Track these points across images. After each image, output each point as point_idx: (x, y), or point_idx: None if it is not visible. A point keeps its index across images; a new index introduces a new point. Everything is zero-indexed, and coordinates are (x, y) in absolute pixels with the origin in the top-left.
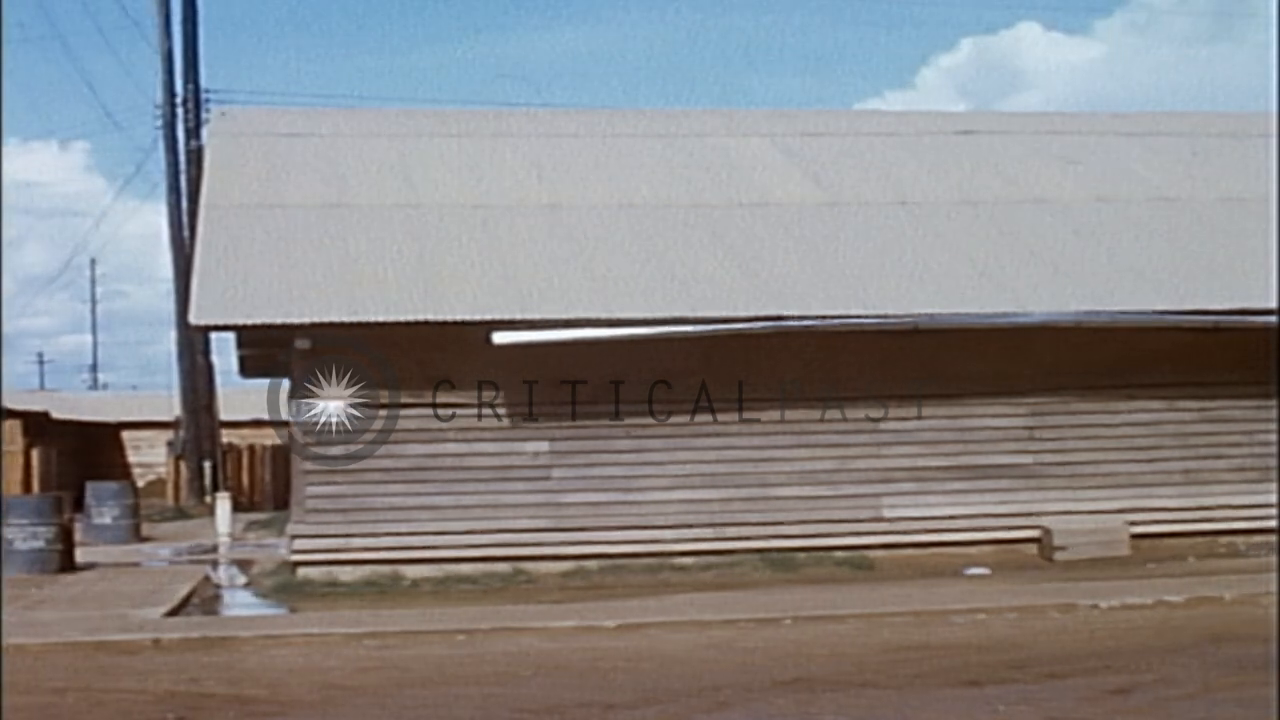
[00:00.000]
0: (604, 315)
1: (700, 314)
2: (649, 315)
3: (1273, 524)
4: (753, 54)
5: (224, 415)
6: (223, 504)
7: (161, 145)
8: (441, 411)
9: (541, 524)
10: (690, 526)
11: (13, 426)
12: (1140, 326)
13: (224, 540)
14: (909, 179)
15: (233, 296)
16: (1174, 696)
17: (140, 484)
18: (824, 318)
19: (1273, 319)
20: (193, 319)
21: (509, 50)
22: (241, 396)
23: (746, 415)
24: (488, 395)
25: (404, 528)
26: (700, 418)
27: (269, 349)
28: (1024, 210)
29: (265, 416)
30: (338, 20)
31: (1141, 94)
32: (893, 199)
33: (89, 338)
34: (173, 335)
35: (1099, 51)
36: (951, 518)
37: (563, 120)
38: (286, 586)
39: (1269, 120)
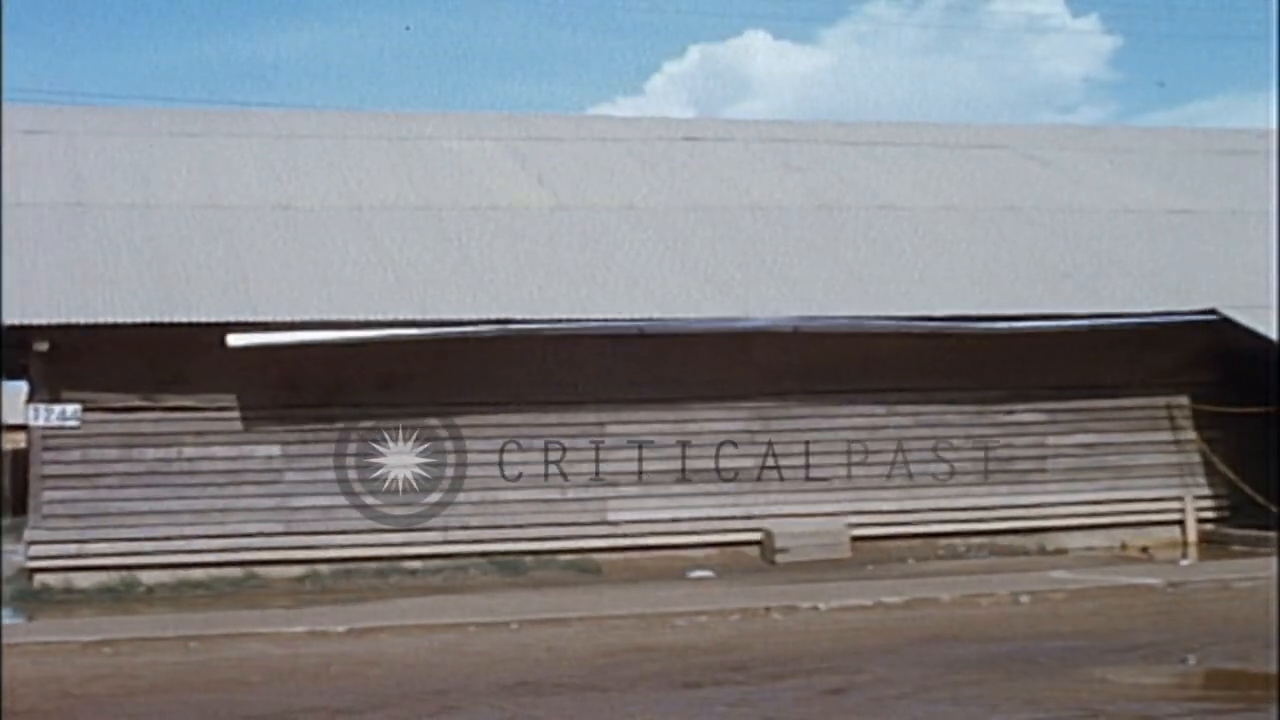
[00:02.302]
0: (335, 318)
1: (429, 316)
2: (379, 318)
3: (989, 526)
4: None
5: None
6: None
7: None
8: (176, 415)
9: (274, 528)
10: (419, 530)
11: None
12: (860, 332)
13: None
14: (636, 184)
15: None
16: (889, 696)
17: None
18: (550, 322)
19: (995, 325)
20: None
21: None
22: None
23: (473, 418)
24: (223, 398)
25: (140, 533)
26: (427, 420)
27: (10, 351)
28: (747, 216)
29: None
30: (77, 16)
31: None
32: (619, 204)
33: None
34: None
35: (825, 61)
36: (675, 521)
37: (297, 121)
38: (23, 594)
39: (992, 133)
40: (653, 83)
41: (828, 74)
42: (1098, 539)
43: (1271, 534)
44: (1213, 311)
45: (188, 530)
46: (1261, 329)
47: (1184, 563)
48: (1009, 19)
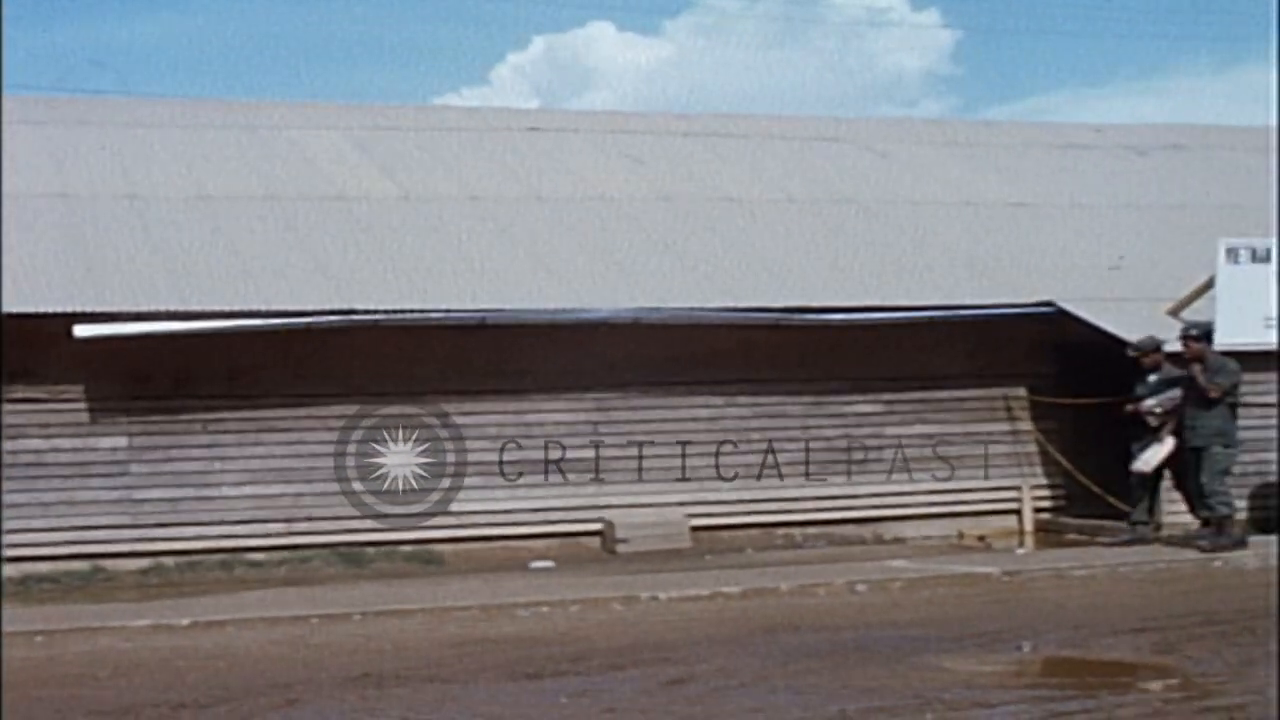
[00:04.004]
0: (181, 308)
1: (275, 307)
2: (225, 308)
3: (827, 516)
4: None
5: None
6: None
7: None
8: (21, 407)
9: (119, 521)
10: (263, 522)
11: None
12: (700, 323)
13: None
14: (479, 175)
15: None
16: (729, 686)
17: None
18: (395, 312)
19: (833, 316)
20: None
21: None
22: None
23: (319, 410)
24: (70, 390)
25: None
26: (274, 412)
27: None
28: (589, 207)
29: None
30: None
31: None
32: (463, 194)
33: None
34: None
35: (669, 52)
36: (517, 512)
37: (144, 109)
38: None
39: (831, 125)
40: (498, 73)
41: (671, 65)
42: (935, 528)
43: (1106, 523)
44: (1050, 304)
45: (33, 523)
46: (1097, 321)
47: (1020, 552)
48: (850, 12)
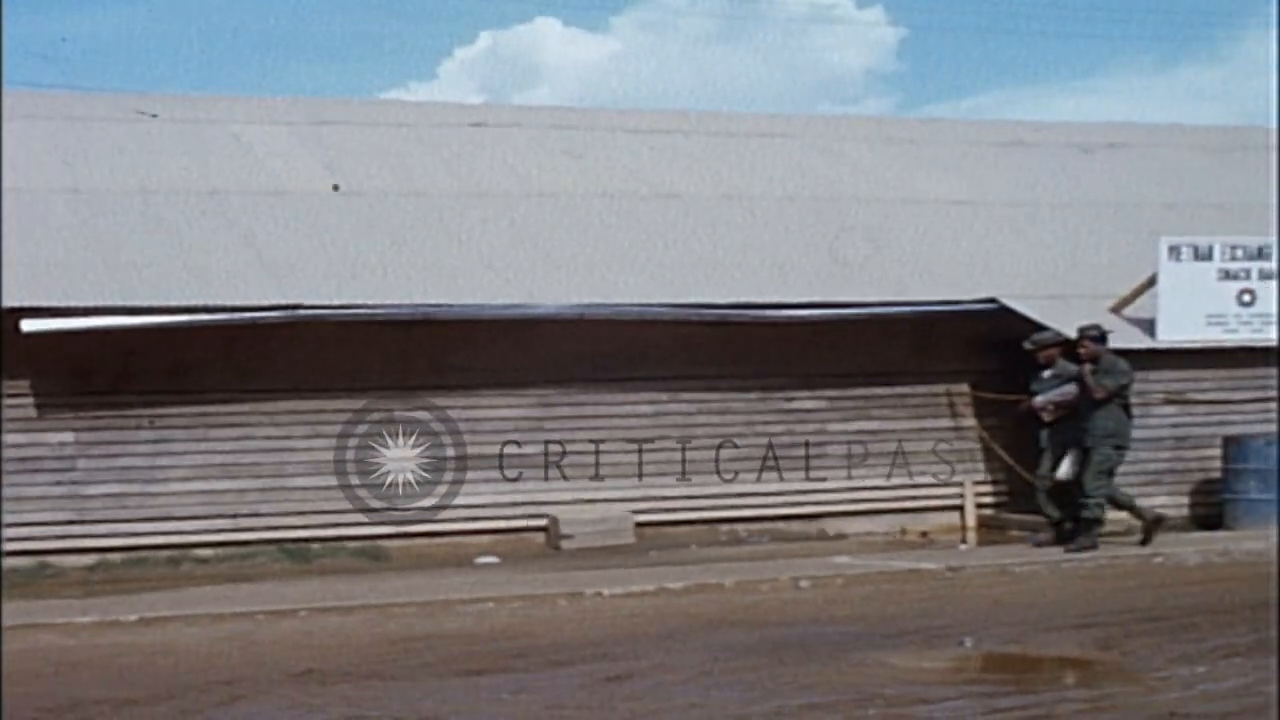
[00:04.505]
0: (127, 303)
1: (218, 302)
2: (170, 303)
3: (771, 512)
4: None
5: None
6: None
7: None
8: None
9: (65, 516)
10: (209, 518)
11: None
12: (644, 320)
13: None
14: (423, 170)
15: None
16: (670, 682)
17: None
18: (338, 308)
19: (777, 313)
20: None
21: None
22: None
23: (263, 405)
24: (17, 385)
25: None
26: (219, 407)
27: None
28: (531, 203)
29: None
30: None
31: (654, 92)
32: (407, 190)
33: None
34: None
35: (614, 48)
36: (462, 507)
37: (87, 104)
38: None
39: (775, 122)
40: (445, 68)
41: (616, 62)
42: (878, 525)
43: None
44: (993, 301)
45: None
46: (1039, 318)
47: (963, 548)
48: (795, 9)
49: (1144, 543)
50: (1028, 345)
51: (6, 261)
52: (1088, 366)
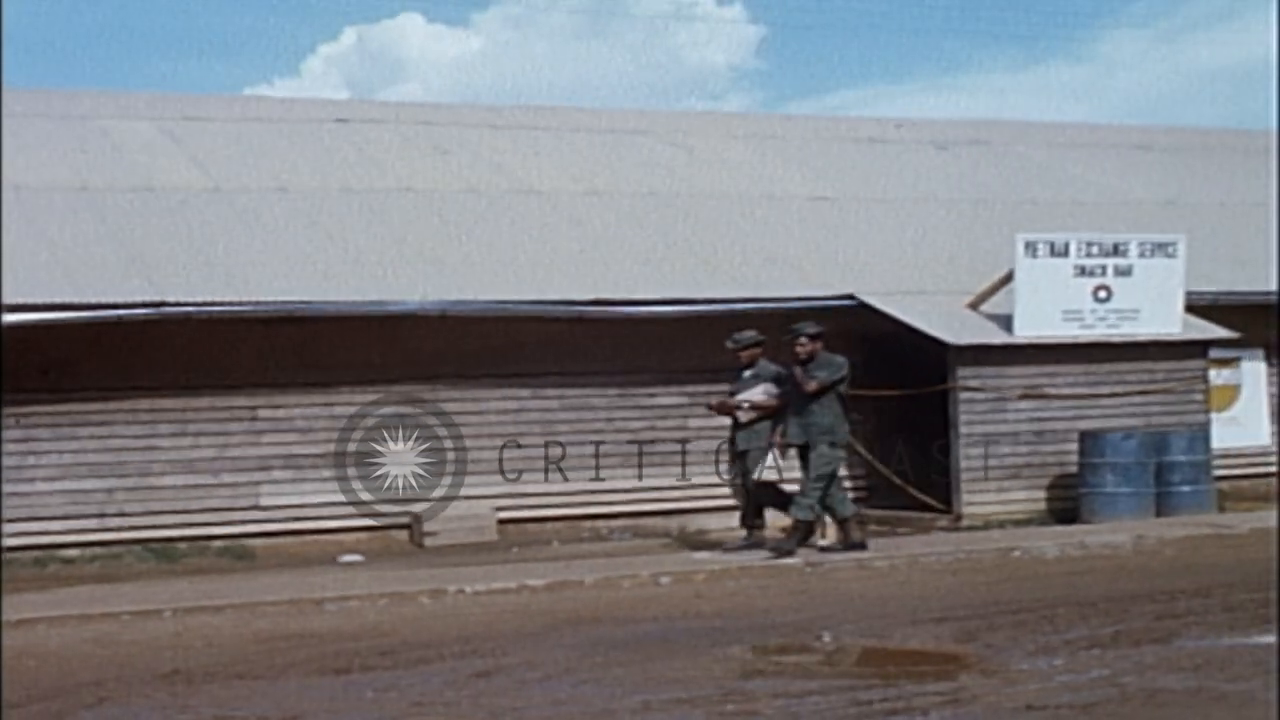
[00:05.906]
0: None
1: (86, 299)
2: (36, 300)
3: (633, 508)
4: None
5: None
6: None
7: None
8: None
9: None
10: (76, 518)
11: None
12: (507, 316)
13: None
14: (289, 166)
15: None
16: (535, 678)
17: None
18: (206, 304)
19: (638, 309)
20: None
21: None
22: None
23: (130, 403)
24: None
25: None
26: (86, 405)
27: None
28: (396, 198)
29: None
30: None
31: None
32: (273, 186)
33: None
34: None
35: (478, 44)
36: (326, 505)
37: None
38: None
39: (636, 118)
40: (309, 64)
41: (480, 57)
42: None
43: (908, 514)
44: (851, 297)
45: None
46: (896, 314)
47: (823, 542)
48: (657, 6)
49: (847, 548)
50: (729, 344)
51: None
52: (798, 365)
